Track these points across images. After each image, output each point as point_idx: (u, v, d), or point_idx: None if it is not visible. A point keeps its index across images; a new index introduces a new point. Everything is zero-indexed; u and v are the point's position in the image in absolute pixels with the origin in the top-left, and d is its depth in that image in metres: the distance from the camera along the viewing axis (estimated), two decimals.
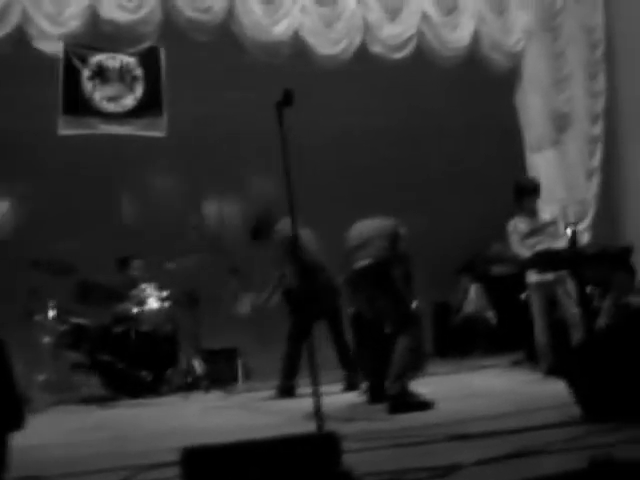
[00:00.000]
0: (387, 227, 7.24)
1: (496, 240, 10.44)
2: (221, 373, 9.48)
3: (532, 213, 8.58)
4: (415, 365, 6.88)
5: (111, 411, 8.18)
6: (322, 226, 8.34)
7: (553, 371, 5.57)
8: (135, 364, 9.07)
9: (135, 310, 9.43)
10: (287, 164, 4.04)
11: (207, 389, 8.99)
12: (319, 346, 10.94)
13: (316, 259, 8.24)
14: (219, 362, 9.59)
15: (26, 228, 10.50)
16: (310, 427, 5.60)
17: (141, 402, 8.61)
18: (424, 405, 6.40)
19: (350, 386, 8.19)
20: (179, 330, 9.58)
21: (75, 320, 9.18)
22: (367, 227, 7.29)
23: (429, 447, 4.54)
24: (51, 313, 9.05)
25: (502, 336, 11.47)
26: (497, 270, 11.73)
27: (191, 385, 9.24)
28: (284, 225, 7.98)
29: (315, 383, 3.88)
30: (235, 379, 9.58)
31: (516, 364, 9.49)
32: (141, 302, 9.48)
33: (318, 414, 3.78)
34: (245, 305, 8.77)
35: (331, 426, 5.61)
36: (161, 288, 9.64)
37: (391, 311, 6.92)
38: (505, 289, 10.94)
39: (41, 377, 8.77)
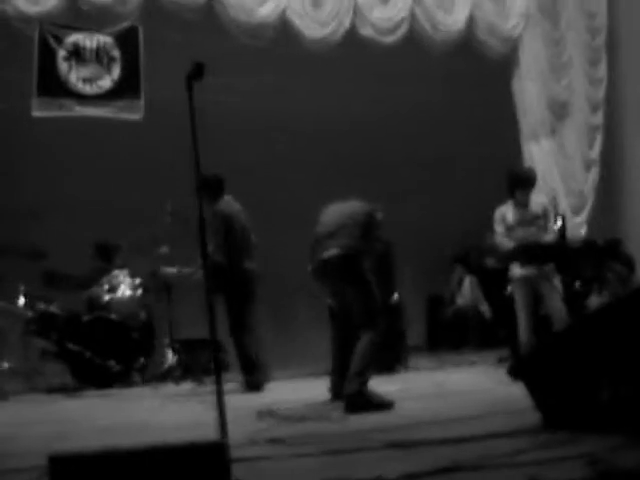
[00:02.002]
0: (361, 213, 6.84)
1: (490, 232, 10.09)
2: (195, 364, 9.16)
3: (524, 204, 8.20)
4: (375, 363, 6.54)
5: (73, 402, 7.95)
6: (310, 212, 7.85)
7: (513, 372, 5.23)
8: (105, 353, 8.79)
9: (106, 297, 9.16)
10: (195, 138, 3.73)
11: (179, 380, 8.71)
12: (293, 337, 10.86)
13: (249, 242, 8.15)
14: (193, 353, 9.27)
15: None
16: (259, 427, 5.41)
17: (107, 393, 8.37)
18: (382, 405, 6.09)
19: (251, 387, 7.91)
20: (153, 319, 9.31)
21: (44, 307, 8.92)
22: (339, 212, 6.88)
23: (360, 455, 4.24)
24: (20, 299, 8.81)
25: (495, 330, 11.14)
26: (491, 262, 11.39)
27: (164, 376, 9.00)
28: (227, 202, 8.22)
29: (219, 389, 3.56)
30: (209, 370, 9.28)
31: (502, 361, 9.15)
32: (113, 289, 9.22)
33: (222, 425, 3.45)
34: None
35: (276, 426, 5.45)
36: (134, 275, 9.36)
37: (357, 305, 6.57)
38: (499, 282, 10.60)
39: (7, 365, 8.54)
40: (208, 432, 3.89)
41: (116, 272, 9.30)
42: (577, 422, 4.47)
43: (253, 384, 7.89)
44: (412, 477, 3.59)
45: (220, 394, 3.56)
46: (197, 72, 3.86)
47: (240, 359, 8.10)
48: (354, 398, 6.14)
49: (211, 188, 8.08)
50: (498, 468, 3.70)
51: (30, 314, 8.82)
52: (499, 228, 8.21)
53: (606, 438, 4.09)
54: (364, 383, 6.22)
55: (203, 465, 3.07)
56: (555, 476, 3.36)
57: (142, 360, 9.06)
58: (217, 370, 3.91)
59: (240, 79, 10.58)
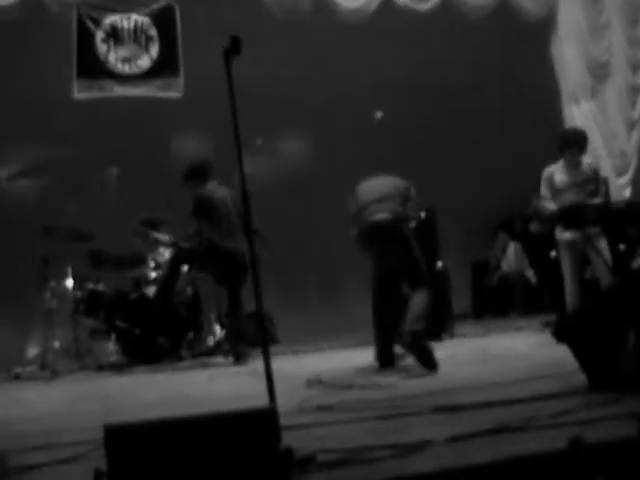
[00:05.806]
0: (400, 186, 7.03)
1: (536, 196, 10.02)
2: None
3: (575, 166, 8.04)
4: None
5: (123, 378, 8.09)
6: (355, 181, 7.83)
7: (557, 334, 5.17)
8: (153, 329, 8.92)
9: (153, 275, 9.28)
10: (235, 113, 3.80)
11: (227, 354, 8.80)
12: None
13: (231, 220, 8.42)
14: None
15: (40, 195, 10.42)
16: (307, 395, 5.47)
17: (157, 368, 8.50)
18: (431, 360, 6.28)
19: (238, 357, 8.28)
20: (200, 294, 9.41)
21: (91, 286, 9.08)
22: (381, 184, 7.05)
23: (409, 420, 4.28)
24: (68, 280, 8.97)
25: (541, 296, 11.12)
26: (535, 227, 11.33)
27: (212, 350, 9.12)
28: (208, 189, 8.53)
29: (266, 356, 3.63)
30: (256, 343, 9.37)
31: (548, 325, 9.12)
32: (159, 266, 9.32)
33: (270, 389, 3.53)
34: None
35: (324, 394, 5.52)
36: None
37: (408, 266, 6.70)
38: (544, 247, 10.57)
39: (57, 344, 8.71)
40: (257, 403, 3.96)
41: (161, 249, 9.40)
42: (622, 382, 4.48)
43: (240, 354, 8.25)
44: (458, 439, 3.64)
45: (268, 361, 3.62)
46: (234, 46, 3.90)
47: (230, 330, 8.65)
48: (417, 336, 6.32)
49: (196, 175, 8.57)
50: (542, 429, 3.72)
51: (79, 294, 8.99)
52: (545, 191, 8.10)
53: None
54: (424, 329, 6.38)
55: (253, 432, 3.11)
56: (599, 436, 3.37)
57: (190, 335, 9.18)
58: (264, 339, 3.98)
59: (276, 52, 10.62)
